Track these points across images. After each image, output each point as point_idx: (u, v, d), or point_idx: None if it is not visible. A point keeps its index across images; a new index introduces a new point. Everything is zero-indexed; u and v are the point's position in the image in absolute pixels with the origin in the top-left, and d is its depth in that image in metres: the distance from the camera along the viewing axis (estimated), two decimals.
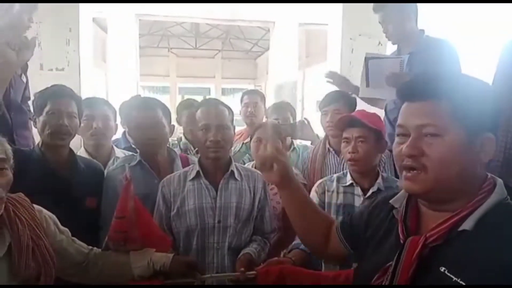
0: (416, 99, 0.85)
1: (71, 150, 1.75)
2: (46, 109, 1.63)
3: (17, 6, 1.98)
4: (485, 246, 0.76)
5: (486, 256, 0.75)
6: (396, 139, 0.89)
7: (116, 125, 2.24)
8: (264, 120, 2.80)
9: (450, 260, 0.78)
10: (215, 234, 1.55)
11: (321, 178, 1.88)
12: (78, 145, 2.46)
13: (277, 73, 6.70)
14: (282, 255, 1.90)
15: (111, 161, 1.98)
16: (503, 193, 0.83)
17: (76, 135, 1.78)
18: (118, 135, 2.50)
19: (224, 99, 1.70)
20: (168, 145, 1.92)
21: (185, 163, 1.84)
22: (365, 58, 2.28)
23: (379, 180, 1.66)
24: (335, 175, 1.78)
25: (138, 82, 5.75)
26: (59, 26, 3.03)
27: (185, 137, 2.67)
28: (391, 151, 1.97)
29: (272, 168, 1.11)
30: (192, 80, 16.57)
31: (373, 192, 1.64)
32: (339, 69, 3.60)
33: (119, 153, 2.16)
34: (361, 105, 2.30)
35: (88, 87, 3.31)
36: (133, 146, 2.30)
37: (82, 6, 3.22)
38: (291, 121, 2.63)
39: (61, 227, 1.26)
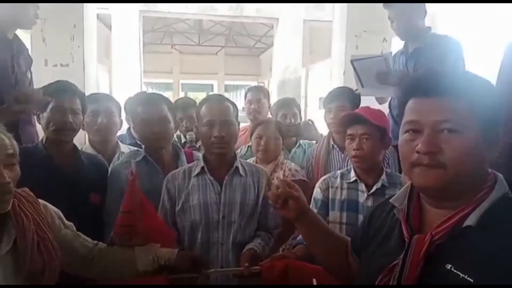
0: (433, 94, 0.83)
1: (74, 145, 1.76)
2: (51, 105, 1.64)
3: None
4: (490, 241, 0.76)
5: (492, 251, 0.75)
6: (406, 135, 0.87)
7: (121, 121, 2.25)
8: (269, 116, 2.80)
9: (455, 257, 0.78)
10: (220, 230, 1.56)
11: (325, 174, 1.88)
12: (82, 141, 2.48)
13: (280, 70, 6.69)
14: (281, 250, 1.91)
15: (116, 156, 1.99)
16: (505, 188, 0.84)
17: (80, 131, 1.78)
18: (122, 131, 2.51)
19: (227, 96, 1.69)
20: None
21: (190, 158, 1.85)
22: (351, 61, 2.31)
23: (383, 176, 1.66)
24: (339, 172, 1.78)
25: (141, 78, 5.76)
26: (63, 22, 3.04)
27: (183, 135, 2.67)
28: (394, 146, 1.99)
29: (286, 204, 1.09)
30: (195, 76, 16.59)
31: (377, 189, 1.64)
32: (343, 67, 3.60)
33: (125, 148, 2.16)
34: (365, 102, 2.30)
35: (92, 83, 3.32)
36: (138, 142, 2.31)
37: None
38: (298, 117, 2.63)
39: (66, 222, 1.27)
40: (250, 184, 1.63)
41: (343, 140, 1.85)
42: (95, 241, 1.34)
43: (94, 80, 3.39)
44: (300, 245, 1.55)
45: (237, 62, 16.29)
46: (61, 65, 3.05)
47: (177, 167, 1.73)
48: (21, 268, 1.05)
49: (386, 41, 3.55)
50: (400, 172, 1.75)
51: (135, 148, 2.07)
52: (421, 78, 0.88)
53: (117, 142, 2.21)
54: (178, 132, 2.72)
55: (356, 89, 2.37)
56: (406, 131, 0.87)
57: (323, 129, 2.58)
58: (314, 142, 2.57)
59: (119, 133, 2.34)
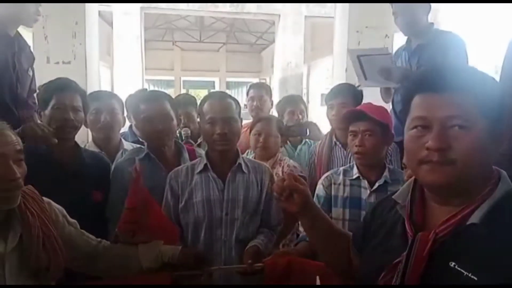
0: (441, 90, 0.81)
1: (76, 143, 1.76)
2: (52, 103, 1.64)
3: None
4: (494, 239, 0.76)
5: (496, 249, 0.74)
6: (413, 132, 0.85)
7: (124, 118, 2.25)
8: (273, 113, 2.81)
9: (459, 255, 0.78)
10: (223, 227, 1.56)
11: (328, 171, 1.88)
12: (84, 138, 2.48)
13: (282, 67, 6.67)
14: (281, 245, 1.92)
15: (119, 153, 1.99)
16: (508, 185, 0.83)
17: (82, 128, 1.78)
18: (124, 128, 2.51)
19: (229, 93, 1.70)
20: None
21: (193, 156, 1.85)
22: (357, 56, 2.32)
23: (386, 172, 1.66)
24: (341, 168, 1.78)
25: (143, 75, 5.76)
26: (65, 20, 3.03)
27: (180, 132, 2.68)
28: (396, 143, 1.99)
29: (291, 198, 1.08)
30: (197, 73, 16.56)
31: (379, 185, 1.64)
32: (345, 63, 3.58)
33: (128, 146, 2.17)
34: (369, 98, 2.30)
35: (94, 81, 3.32)
36: (140, 139, 2.31)
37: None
38: (305, 114, 2.64)
39: (70, 219, 1.28)
40: (253, 181, 1.63)
41: (345, 137, 1.85)
42: (99, 239, 1.35)
43: (96, 78, 3.39)
44: (302, 242, 1.56)
45: (238, 59, 16.26)
46: (63, 62, 3.04)
47: (179, 164, 1.73)
48: (27, 264, 1.06)
49: (388, 37, 3.53)
50: (402, 169, 1.75)
51: (138, 146, 2.07)
52: (429, 73, 0.87)
53: (120, 139, 2.22)
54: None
55: (358, 85, 2.37)
56: (414, 128, 0.85)
57: (325, 126, 2.58)
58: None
59: (121, 130, 2.35)
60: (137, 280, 1.32)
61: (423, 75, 0.88)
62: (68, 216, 1.27)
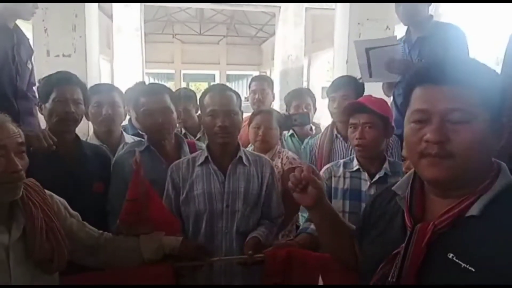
0: (442, 83, 0.81)
1: (77, 136, 1.77)
2: (53, 96, 1.64)
3: None
4: (493, 231, 0.76)
5: (495, 241, 0.75)
6: (413, 124, 0.85)
7: (126, 111, 2.25)
8: (274, 106, 2.80)
9: (458, 247, 0.78)
10: (224, 219, 1.57)
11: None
12: (84, 131, 2.49)
13: (282, 59, 6.63)
14: (280, 236, 1.93)
15: (120, 146, 2.00)
16: (508, 177, 0.83)
17: (82, 122, 1.79)
18: (125, 121, 2.51)
19: (229, 86, 1.70)
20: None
21: (193, 148, 1.86)
22: (366, 49, 2.29)
23: (386, 165, 1.67)
24: (341, 161, 1.79)
25: (143, 68, 5.74)
26: (65, 12, 3.02)
27: (184, 127, 2.67)
28: (397, 135, 1.99)
29: (305, 190, 1.08)
30: (197, 66, 16.49)
31: (379, 177, 1.65)
32: (346, 55, 3.57)
33: (129, 139, 2.17)
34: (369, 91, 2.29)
35: (95, 73, 3.32)
36: (140, 132, 2.32)
37: None
38: (312, 107, 2.64)
39: (72, 211, 1.29)
40: (254, 174, 1.64)
41: (346, 130, 1.85)
42: (100, 231, 1.36)
43: (96, 70, 3.38)
44: (303, 234, 1.56)
45: (238, 51, 16.18)
46: (63, 55, 3.04)
47: (179, 157, 1.73)
48: (31, 255, 1.07)
49: (389, 28, 3.52)
50: (402, 161, 1.76)
51: (138, 139, 2.07)
52: (429, 66, 0.86)
53: (122, 132, 2.22)
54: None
55: (360, 78, 2.37)
56: (414, 120, 0.85)
57: (326, 119, 2.58)
58: None
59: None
60: (139, 272, 1.34)
61: (424, 68, 0.88)
62: (70, 208, 1.28)
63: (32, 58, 2.27)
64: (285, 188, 1.83)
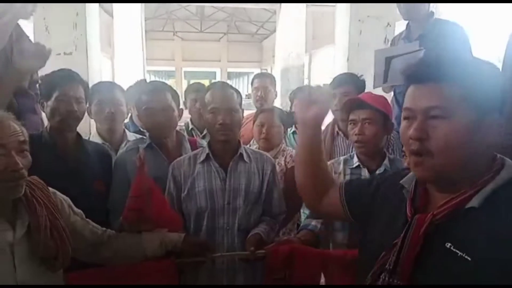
0: (426, 81, 0.83)
1: (78, 134, 1.77)
2: (55, 94, 1.64)
3: None
4: (493, 223, 0.77)
5: (493, 231, 0.76)
6: (403, 122, 0.88)
7: (128, 109, 2.26)
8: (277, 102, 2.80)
9: (456, 237, 0.79)
10: (225, 216, 1.58)
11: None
12: (86, 130, 2.50)
13: (283, 56, 6.62)
14: (281, 234, 1.94)
15: (123, 144, 2.00)
16: (511, 172, 0.83)
17: (84, 120, 1.79)
18: (126, 119, 2.52)
19: (230, 83, 1.71)
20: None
21: (194, 146, 1.87)
22: (386, 58, 2.24)
23: (386, 161, 1.67)
24: (342, 157, 1.79)
25: (144, 66, 5.74)
26: (66, 11, 3.03)
27: (191, 122, 2.68)
28: (398, 132, 1.99)
29: (312, 106, 1.12)
30: (198, 64, 16.49)
31: (380, 174, 1.65)
32: (347, 51, 3.57)
33: (131, 137, 2.18)
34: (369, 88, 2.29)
35: (96, 71, 3.32)
36: (141, 129, 2.32)
37: None
38: None
39: (75, 209, 1.29)
40: (255, 171, 1.65)
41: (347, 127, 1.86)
42: (104, 228, 1.37)
43: (98, 68, 3.39)
44: (304, 230, 1.58)
45: (239, 48, 16.17)
46: (65, 53, 3.05)
47: (181, 155, 1.74)
48: (36, 253, 1.08)
49: (390, 25, 3.52)
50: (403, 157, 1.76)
51: (140, 137, 2.08)
52: (417, 65, 0.88)
53: (124, 130, 2.22)
54: (186, 120, 2.73)
55: (361, 75, 2.37)
56: (404, 118, 0.88)
57: (327, 116, 2.57)
58: None
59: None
60: (142, 268, 1.35)
61: (412, 67, 0.89)
62: (73, 206, 1.29)
63: None
64: (288, 186, 1.85)
